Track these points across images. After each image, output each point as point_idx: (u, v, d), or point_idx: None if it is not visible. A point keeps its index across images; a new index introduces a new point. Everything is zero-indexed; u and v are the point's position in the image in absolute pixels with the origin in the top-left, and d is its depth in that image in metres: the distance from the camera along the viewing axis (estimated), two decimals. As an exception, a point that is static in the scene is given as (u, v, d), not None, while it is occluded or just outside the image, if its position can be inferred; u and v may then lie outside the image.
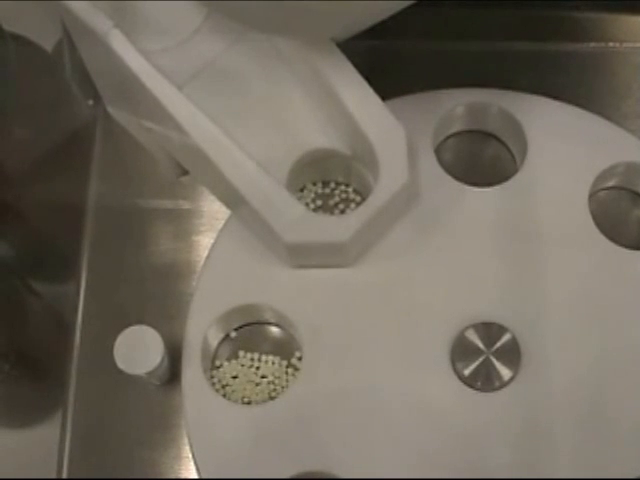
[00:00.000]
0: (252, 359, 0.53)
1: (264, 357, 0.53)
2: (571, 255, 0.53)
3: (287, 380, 0.52)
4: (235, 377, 0.53)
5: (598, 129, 0.56)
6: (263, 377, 0.53)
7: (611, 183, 0.56)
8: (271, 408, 0.51)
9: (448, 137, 0.58)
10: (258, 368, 0.53)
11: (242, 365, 0.53)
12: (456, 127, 0.57)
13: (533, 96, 0.56)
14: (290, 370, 0.53)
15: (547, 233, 0.54)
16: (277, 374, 0.53)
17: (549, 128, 0.55)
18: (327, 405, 0.51)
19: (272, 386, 0.52)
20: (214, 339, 0.53)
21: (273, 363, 0.53)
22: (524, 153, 0.55)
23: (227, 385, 0.52)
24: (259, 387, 0.52)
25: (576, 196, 0.54)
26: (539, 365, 0.51)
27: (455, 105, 0.56)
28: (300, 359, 0.52)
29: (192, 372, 0.52)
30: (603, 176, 0.55)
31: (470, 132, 0.58)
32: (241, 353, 0.53)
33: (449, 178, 0.55)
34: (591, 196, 0.55)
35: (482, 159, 0.58)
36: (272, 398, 0.52)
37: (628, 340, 0.52)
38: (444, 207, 0.54)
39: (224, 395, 0.52)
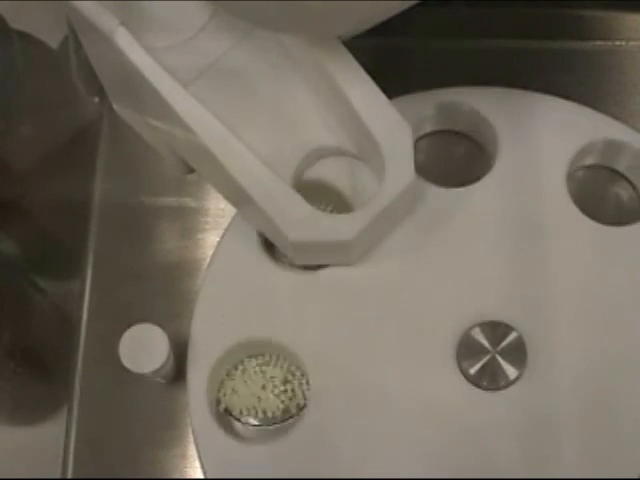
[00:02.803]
0: (257, 357, 0.53)
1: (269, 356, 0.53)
2: (576, 253, 0.53)
3: (292, 379, 0.52)
4: (238, 383, 0.53)
5: (567, 112, 0.56)
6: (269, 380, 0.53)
7: (589, 162, 0.56)
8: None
9: (420, 138, 0.58)
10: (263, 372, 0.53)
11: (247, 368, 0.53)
12: (427, 128, 0.58)
13: (495, 88, 0.56)
14: (294, 368, 0.53)
15: (542, 226, 0.54)
16: (281, 373, 0.53)
17: (517, 119, 0.55)
18: (331, 405, 0.51)
19: (279, 389, 0.52)
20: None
21: (278, 363, 0.53)
22: (495, 147, 0.55)
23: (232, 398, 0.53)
24: (265, 392, 0.52)
25: (554, 182, 0.54)
26: (545, 364, 0.51)
27: (425, 108, 0.56)
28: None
29: (197, 371, 0.52)
30: (576, 159, 0.55)
31: (440, 132, 0.58)
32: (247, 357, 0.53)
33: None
34: (569, 177, 0.54)
35: (454, 159, 0.58)
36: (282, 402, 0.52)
37: (635, 338, 0.52)
38: (449, 206, 0.54)
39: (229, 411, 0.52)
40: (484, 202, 0.54)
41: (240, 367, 0.53)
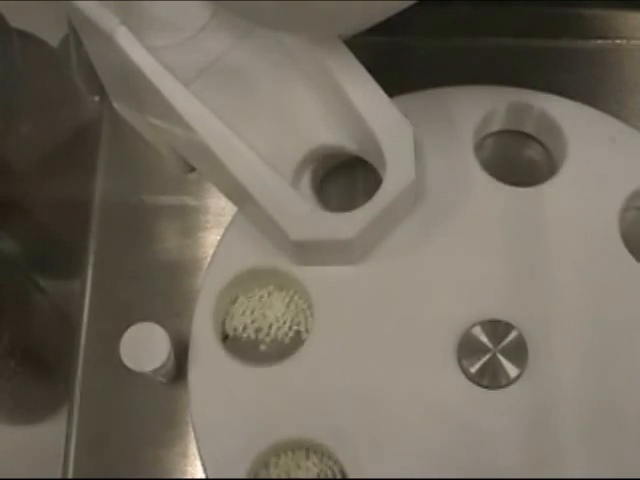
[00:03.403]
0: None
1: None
2: (578, 254, 0.53)
3: None
4: None
5: (465, 94, 0.56)
6: None
7: (496, 128, 0.57)
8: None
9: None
10: None
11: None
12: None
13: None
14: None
15: (559, 234, 0.54)
16: None
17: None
18: (332, 405, 0.51)
19: None
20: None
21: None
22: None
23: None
24: None
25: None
26: (546, 362, 0.51)
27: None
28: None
29: (198, 369, 0.51)
30: (483, 125, 0.56)
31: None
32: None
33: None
34: (480, 146, 0.55)
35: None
36: None
37: (635, 336, 0.52)
38: (449, 204, 0.54)
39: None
40: (499, 202, 0.54)
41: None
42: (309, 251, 0.51)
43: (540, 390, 0.51)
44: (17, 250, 0.68)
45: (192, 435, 0.52)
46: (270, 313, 0.53)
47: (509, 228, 0.53)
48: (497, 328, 0.51)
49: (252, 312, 0.53)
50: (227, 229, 0.54)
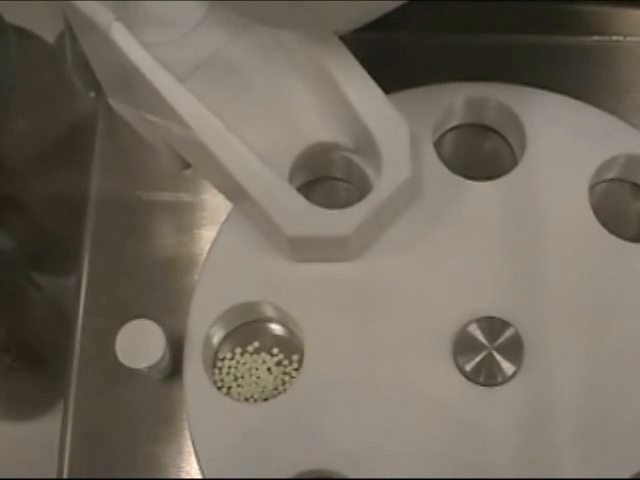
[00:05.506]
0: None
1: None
2: (572, 248, 0.53)
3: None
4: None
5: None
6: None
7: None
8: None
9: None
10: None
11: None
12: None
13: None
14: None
15: (548, 227, 0.53)
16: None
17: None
18: (328, 401, 0.51)
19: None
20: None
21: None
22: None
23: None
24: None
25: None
26: (542, 360, 0.51)
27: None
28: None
29: (194, 366, 0.51)
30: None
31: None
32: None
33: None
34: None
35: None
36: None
37: (630, 333, 0.52)
38: (446, 201, 0.54)
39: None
40: (493, 199, 0.54)
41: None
42: (305, 247, 0.51)
43: (536, 387, 0.51)
44: (13, 246, 0.68)
45: (187, 432, 0.52)
46: (258, 384, 0.53)
47: (504, 226, 0.53)
48: (493, 325, 0.51)
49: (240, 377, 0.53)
50: (223, 226, 0.54)
